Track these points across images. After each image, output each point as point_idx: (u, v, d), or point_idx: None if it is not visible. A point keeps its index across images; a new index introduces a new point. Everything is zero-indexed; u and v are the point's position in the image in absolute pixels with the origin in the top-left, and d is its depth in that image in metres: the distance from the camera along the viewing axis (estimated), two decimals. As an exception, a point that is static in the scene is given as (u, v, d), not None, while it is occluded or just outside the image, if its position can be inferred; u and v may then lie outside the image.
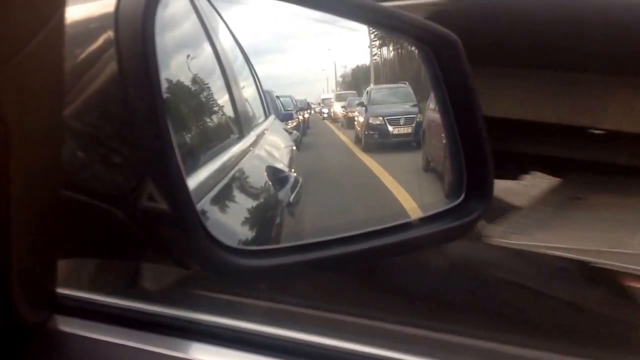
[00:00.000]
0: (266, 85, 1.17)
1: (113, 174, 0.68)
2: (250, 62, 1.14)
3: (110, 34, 0.67)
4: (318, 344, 0.55)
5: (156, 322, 0.48)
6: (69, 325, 0.45)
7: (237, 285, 0.68)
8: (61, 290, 0.49)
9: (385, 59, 1.55)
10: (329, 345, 0.56)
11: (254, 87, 1.15)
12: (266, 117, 1.17)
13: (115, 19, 0.65)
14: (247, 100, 1.15)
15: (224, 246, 0.70)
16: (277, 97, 1.21)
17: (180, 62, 0.91)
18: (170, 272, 0.63)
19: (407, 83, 1.50)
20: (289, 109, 1.20)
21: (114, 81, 0.68)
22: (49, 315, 0.44)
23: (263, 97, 1.18)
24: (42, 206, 0.49)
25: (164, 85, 0.76)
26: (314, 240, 0.78)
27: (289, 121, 1.18)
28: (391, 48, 1.50)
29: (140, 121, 0.66)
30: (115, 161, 0.69)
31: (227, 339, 0.49)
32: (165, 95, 0.74)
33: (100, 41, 0.69)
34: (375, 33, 1.34)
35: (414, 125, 1.44)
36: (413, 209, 1.12)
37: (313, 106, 1.24)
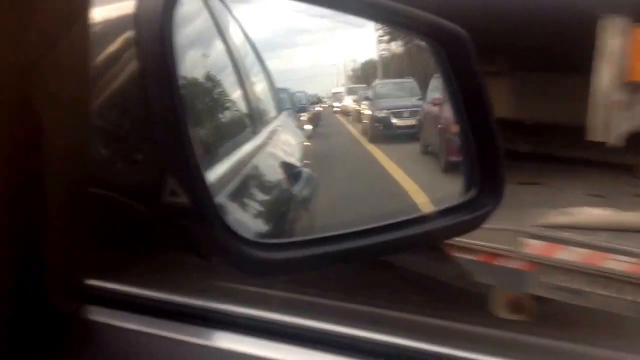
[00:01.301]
0: (279, 81, 1.19)
1: (135, 170, 0.71)
2: (262, 59, 1.16)
3: (130, 34, 0.69)
4: (333, 331, 0.57)
5: (180, 311, 0.50)
6: (98, 315, 0.47)
7: (255, 277, 0.70)
8: (90, 282, 0.51)
9: (393, 54, 1.56)
10: (343, 333, 0.58)
11: (266, 83, 1.17)
12: (279, 112, 1.19)
13: (136, 20, 0.67)
14: (260, 96, 1.17)
15: (242, 239, 0.72)
16: (291, 92, 1.23)
17: (195, 60, 0.93)
18: (192, 264, 0.66)
19: (412, 78, 1.53)
20: (302, 103, 1.22)
21: (134, 80, 0.70)
22: (79, 306, 0.46)
23: (275, 93, 1.20)
24: (72, 201, 0.52)
25: (181, 83, 0.78)
26: (330, 234, 0.80)
27: (302, 115, 1.20)
28: (399, 43, 1.52)
29: (160, 119, 0.68)
30: (137, 158, 0.71)
31: (248, 327, 0.52)
32: (182, 93, 0.76)
33: (120, 42, 0.71)
34: (384, 28, 1.36)
35: (418, 117, 1.49)
36: (418, 197, 1.15)
37: (325, 100, 1.26)
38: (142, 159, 0.71)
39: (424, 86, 1.47)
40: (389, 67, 1.64)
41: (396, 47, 1.53)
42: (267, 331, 0.50)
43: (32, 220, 0.41)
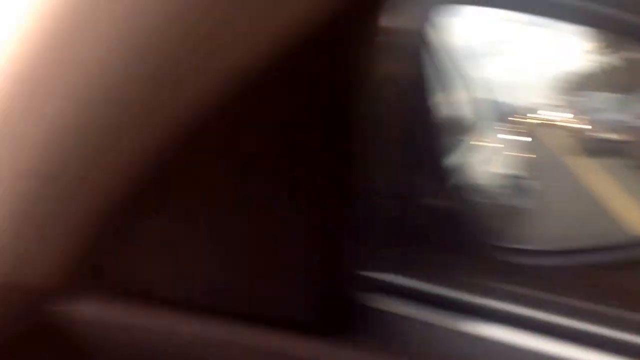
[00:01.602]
0: (486, 90, 1.20)
1: (394, 174, 0.76)
2: (471, 67, 1.18)
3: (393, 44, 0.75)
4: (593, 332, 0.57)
5: (449, 303, 0.53)
6: (382, 304, 0.51)
7: (501, 278, 0.72)
8: (376, 275, 0.56)
9: (608, 66, 1.50)
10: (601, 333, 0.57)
11: (477, 91, 1.19)
12: (490, 121, 1.20)
13: (399, 32, 0.72)
14: (474, 103, 1.19)
15: (489, 242, 0.75)
16: (498, 102, 1.23)
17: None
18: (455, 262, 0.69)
19: (630, 91, 1.46)
20: (511, 113, 1.21)
21: (392, 87, 0.76)
22: (364, 296, 0.50)
23: (485, 102, 1.21)
24: (364, 203, 0.57)
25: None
26: (567, 247, 0.80)
27: (510, 125, 1.20)
28: (617, 54, 1.46)
29: (419, 125, 0.73)
30: (396, 160, 0.77)
31: (513, 322, 0.53)
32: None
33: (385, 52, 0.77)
34: (600, 38, 1.31)
35: (634, 132, 1.43)
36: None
37: (532, 111, 1.25)
38: (399, 162, 0.76)
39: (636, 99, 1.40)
40: (599, 79, 1.57)
41: (609, 58, 1.46)
42: (532, 327, 0.53)
43: (330, 221, 0.46)
